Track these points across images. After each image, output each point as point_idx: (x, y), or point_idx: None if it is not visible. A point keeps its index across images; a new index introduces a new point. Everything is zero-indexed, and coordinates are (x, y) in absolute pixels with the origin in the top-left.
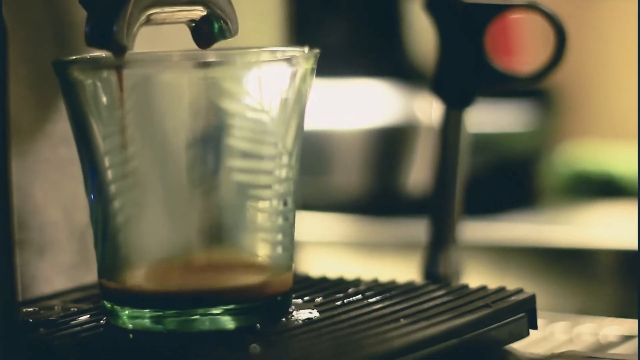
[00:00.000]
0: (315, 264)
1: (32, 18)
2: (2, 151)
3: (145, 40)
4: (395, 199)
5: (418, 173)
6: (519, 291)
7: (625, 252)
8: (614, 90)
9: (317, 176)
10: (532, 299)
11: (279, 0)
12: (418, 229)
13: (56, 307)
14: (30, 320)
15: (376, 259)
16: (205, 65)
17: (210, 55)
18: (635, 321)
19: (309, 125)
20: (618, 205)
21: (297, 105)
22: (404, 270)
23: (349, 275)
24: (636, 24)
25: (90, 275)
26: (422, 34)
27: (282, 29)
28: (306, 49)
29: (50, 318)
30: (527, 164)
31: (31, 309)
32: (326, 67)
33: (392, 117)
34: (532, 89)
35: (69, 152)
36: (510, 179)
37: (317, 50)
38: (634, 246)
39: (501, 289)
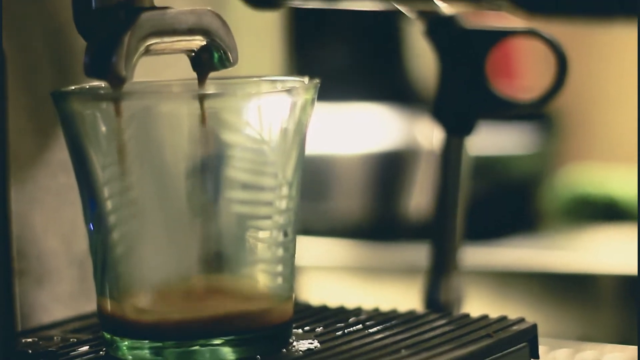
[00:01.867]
0: (316, 289)
1: (31, 47)
2: (1, 179)
3: (144, 69)
4: (396, 224)
5: (419, 197)
6: (521, 320)
7: (627, 278)
8: (615, 113)
9: (317, 201)
10: (533, 328)
11: (278, 25)
12: (419, 254)
13: (55, 338)
14: (30, 351)
15: (377, 284)
16: (205, 96)
17: (209, 85)
18: (637, 348)
19: (309, 149)
20: (620, 229)
21: (297, 135)
22: (405, 295)
23: (350, 303)
24: (637, 48)
25: (89, 305)
26: (422, 58)
27: (282, 54)
28: (306, 80)
29: (50, 349)
30: (528, 187)
31: (30, 340)
32: (327, 92)
33: (393, 141)
34: (533, 113)
35: (68, 179)
36: (511, 203)
37: (317, 81)
38: (636, 271)
39: (502, 318)
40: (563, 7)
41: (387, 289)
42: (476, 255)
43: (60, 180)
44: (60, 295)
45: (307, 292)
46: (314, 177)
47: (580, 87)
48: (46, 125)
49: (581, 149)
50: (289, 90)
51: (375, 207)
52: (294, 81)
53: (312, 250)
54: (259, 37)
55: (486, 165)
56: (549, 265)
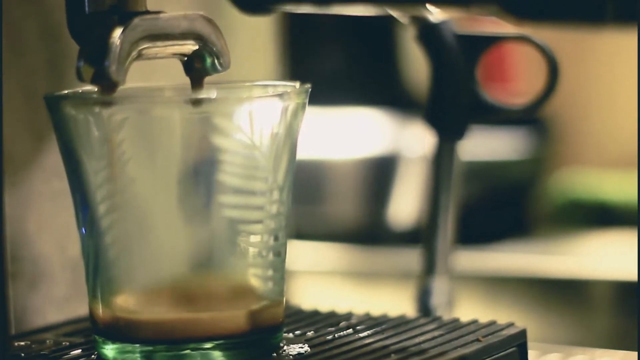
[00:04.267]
0: (308, 293)
1: (25, 50)
2: None
3: (137, 74)
4: (388, 228)
5: (411, 202)
6: (510, 325)
7: (618, 283)
8: (608, 118)
9: (309, 205)
10: (522, 333)
11: (272, 29)
12: (411, 259)
13: (48, 341)
14: (22, 354)
15: (369, 289)
16: (196, 101)
17: (202, 90)
18: (628, 353)
19: (302, 154)
20: (612, 234)
21: (288, 140)
22: (397, 299)
23: (342, 307)
24: (634, 53)
25: (83, 308)
26: (416, 62)
27: (275, 58)
28: (297, 84)
29: (42, 352)
30: (521, 192)
31: (23, 343)
32: (320, 96)
33: (386, 146)
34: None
35: (62, 184)
36: (504, 208)
37: (308, 85)
38: (628, 277)
39: (492, 323)
40: (552, 13)
41: (379, 293)
42: (469, 260)
43: (54, 184)
44: (53, 299)
45: (299, 296)
46: (306, 182)
47: (572, 92)
48: (41, 129)
49: (574, 154)
50: (280, 95)
51: (368, 212)
52: (285, 86)
53: (304, 254)
54: (252, 41)
55: (479, 170)
56: (540, 270)
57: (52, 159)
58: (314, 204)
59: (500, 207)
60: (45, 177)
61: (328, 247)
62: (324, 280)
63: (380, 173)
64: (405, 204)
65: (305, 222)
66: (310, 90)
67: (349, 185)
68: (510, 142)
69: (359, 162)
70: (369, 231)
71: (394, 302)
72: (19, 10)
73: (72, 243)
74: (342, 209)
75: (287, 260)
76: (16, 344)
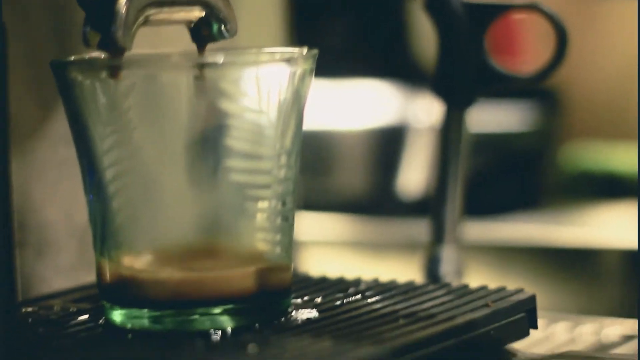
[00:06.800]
0: (316, 264)
1: (31, 17)
2: (2, 151)
3: (145, 40)
4: (396, 199)
5: (419, 173)
6: (519, 291)
7: (627, 252)
8: (617, 90)
9: (318, 176)
10: (532, 298)
11: (279, 0)
12: (419, 229)
13: (55, 307)
14: (30, 320)
15: (377, 259)
16: (203, 65)
17: (208, 56)
18: (636, 321)
19: (311, 125)
20: (621, 205)
21: (296, 105)
22: (405, 270)
23: (349, 275)
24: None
25: (89, 276)
26: (424, 32)
27: (282, 29)
28: (305, 50)
29: (50, 318)
30: (530, 163)
31: (30, 309)
32: (327, 67)
33: (394, 117)
34: (535, 89)
35: (69, 151)
36: (513, 179)
37: (315, 51)
38: (636, 246)
39: (501, 289)
40: None
41: (387, 263)
42: (477, 230)
43: (60, 152)
44: (60, 267)
45: (307, 267)
46: (314, 153)
47: (581, 63)
48: (47, 97)
49: (583, 125)
50: (287, 60)
51: (376, 182)
52: (293, 51)
53: (312, 225)
54: (259, 9)
55: (488, 142)
56: (550, 239)
57: (58, 126)
58: (322, 175)
59: (508, 179)
60: (51, 144)
61: (336, 218)
62: (333, 250)
63: (389, 144)
64: (414, 175)
65: (314, 193)
66: (317, 55)
67: (358, 156)
68: (519, 113)
69: (368, 133)
70: (378, 202)
71: (403, 272)
72: None
73: (79, 211)
74: (351, 180)
75: (295, 229)
76: (23, 310)
